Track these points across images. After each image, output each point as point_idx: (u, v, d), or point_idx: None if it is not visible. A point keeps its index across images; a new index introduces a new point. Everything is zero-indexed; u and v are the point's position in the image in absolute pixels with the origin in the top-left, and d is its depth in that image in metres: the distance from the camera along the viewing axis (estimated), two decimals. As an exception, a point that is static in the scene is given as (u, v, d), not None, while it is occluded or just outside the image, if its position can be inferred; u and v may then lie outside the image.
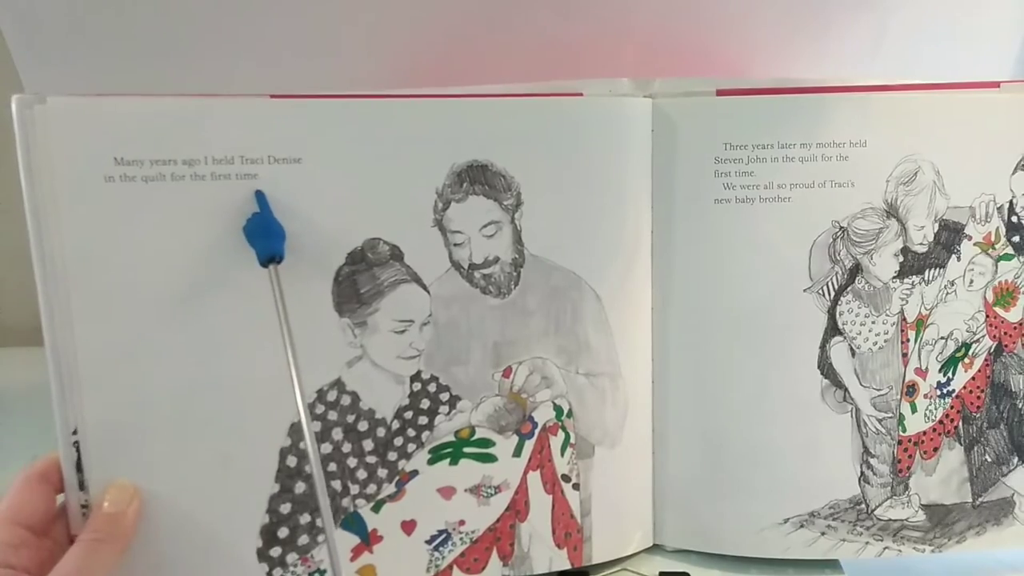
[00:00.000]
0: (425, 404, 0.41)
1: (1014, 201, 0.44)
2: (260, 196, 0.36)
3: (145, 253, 0.35)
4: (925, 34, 0.50)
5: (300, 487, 0.39)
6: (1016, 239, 0.44)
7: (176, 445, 0.37)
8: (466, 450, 0.42)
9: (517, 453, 0.42)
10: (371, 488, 0.41)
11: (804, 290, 0.43)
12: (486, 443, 0.42)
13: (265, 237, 0.35)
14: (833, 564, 0.45)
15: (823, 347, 0.43)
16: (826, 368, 0.44)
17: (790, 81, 0.43)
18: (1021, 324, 0.45)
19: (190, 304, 0.36)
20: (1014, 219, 0.44)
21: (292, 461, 0.39)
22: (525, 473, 0.43)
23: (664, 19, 0.48)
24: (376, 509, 0.41)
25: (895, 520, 0.45)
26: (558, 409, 0.43)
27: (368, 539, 0.41)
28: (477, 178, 0.39)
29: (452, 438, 0.41)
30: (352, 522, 0.40)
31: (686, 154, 0.42)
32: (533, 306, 0.41)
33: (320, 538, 0.39)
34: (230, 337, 0.37)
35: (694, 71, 0.50)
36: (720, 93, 0.43)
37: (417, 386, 0.41)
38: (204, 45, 0.47)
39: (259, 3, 0.46)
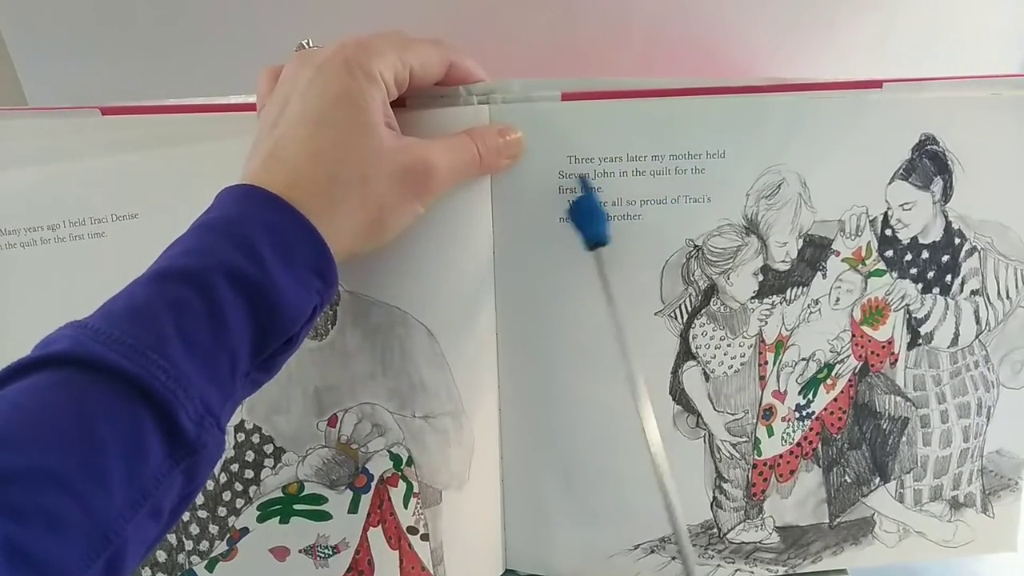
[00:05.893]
0: (250, 457, 0.39)
1: (889, 213, 0.41)
2: (583, 181, 0.38)
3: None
4: (933, 32, 0.47)
5: None
6: (889, 254, 0.41)
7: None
8: (296, 507, 0.39)
9: (353, 509, 0.39)
10: (204, 544, 0.39)
11: (655, 313, 0.40)
12: (317, 499, 0.39)
13: (592, 223, 0.38)
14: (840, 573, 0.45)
15: (675, 372, 0.41)
16: (678, 394, 0.41)
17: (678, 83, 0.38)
18: (890, 343, 0.42)
19: None
20: (888, 232, 0.41)
21: None
22: (365, 530, 0.40)
23: (669, 15, 0.46)
24: (210, 568, 0.39)
25: (748, 543, 0.43)
26: (396, 458, 0.40)
27: None
28: None
29: (280, 493, 0.39)
30: None
31: (528, 168, 0.38)
32: (353, 347, 0.38)
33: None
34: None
35: (700, 69, 0.47)
36: (566, 97, 0.38)
37: (241, 436, 0.39)
38: (206, 50, 0.46)
39: (261, 8, 0.45)
